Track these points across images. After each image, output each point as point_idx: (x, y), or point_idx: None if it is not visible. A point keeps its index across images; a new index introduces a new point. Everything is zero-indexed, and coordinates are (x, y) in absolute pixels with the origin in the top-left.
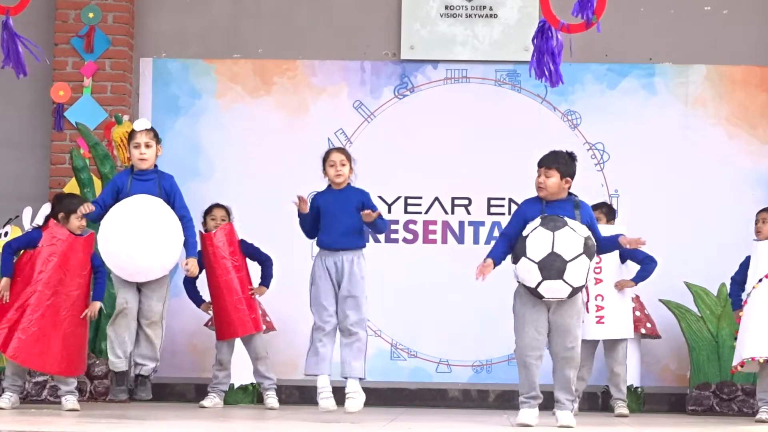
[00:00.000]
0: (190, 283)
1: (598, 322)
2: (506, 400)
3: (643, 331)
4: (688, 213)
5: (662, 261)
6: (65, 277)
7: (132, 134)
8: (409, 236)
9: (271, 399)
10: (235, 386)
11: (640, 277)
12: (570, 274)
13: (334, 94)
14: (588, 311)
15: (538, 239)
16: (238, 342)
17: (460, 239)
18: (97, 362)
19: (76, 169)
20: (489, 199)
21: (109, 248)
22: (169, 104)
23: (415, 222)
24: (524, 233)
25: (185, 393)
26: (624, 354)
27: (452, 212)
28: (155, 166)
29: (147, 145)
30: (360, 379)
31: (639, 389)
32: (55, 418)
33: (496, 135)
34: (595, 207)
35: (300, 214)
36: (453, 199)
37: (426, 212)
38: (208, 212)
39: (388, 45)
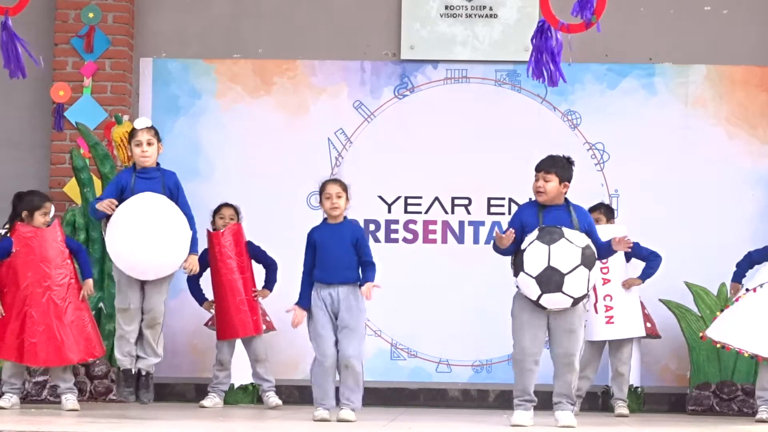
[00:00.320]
0: (193, 281)
1: (607, 322)
2: (506, 400)
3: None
4: (688, 213)
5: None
6: (50, 270)
7: (133, 133)
8: (409, 236)
9: (273, 398)
10: (235, 386)
11: (646, 274)
12: (569, 286)
13: (334, 94)
14: (597, 312)
15: (534, 254)
16: (238, 342)
17: (460, 239)
18: (97, 362)
19: (76, 169)
20: (489, 199)
21: (118, 248)
22: (169, 104)
23: (415, 222)
24: (522, 246)
25: (185, 393)
26: (629, 354)
27: (452, 212)
28: (158, 164)
29: (149, 143)
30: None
31: (639, 389)
32: (55, 418)
33: (496, 135)
34: (593, 208)
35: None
36: (453, 199)
37: (426, 212)
38: (216, 211)
39: (388, 45)
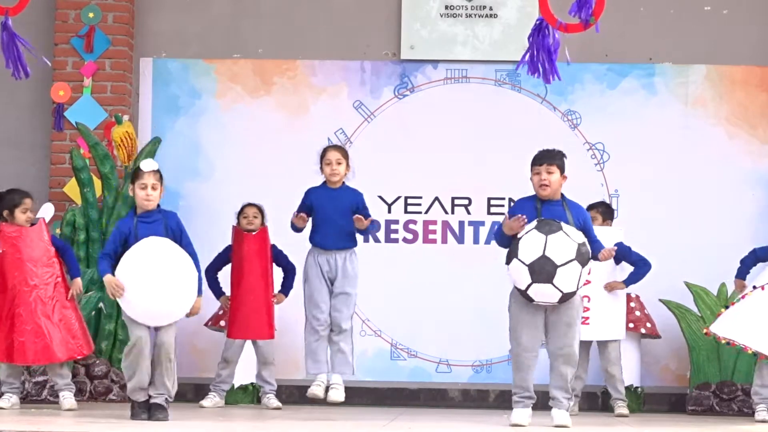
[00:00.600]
0: (211, 273)
1: (583, 323)
2: (506, 400)
3: (643, 331)
4: (688, 213)
5: (662, 261)
6: (36, 268)
7: (138, 173)
8: (409, 236)
9: (273, 401)
10: (235, 386)
11: (631, 280)
12: (560, 279)
13: (334, 94)
14: None
15: (530, 241)
16: (247, 343)
17: (460, 239)
18: (97, 362)
19: (76, 169)
20: (489, 199)
21: (128, 297)
22: (169, 104)
23: (415, 222)
24: (518, 235)
25: (185, 393)
26: (617, 355)
27: (452, 212)
28: (158, 205)
29: (153, 187)
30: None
31: (639, 389)
32: (55, 418)
33: (496, 135)
34: (592, 206)
35: (294, 226)
36: (453, 199)
37: (426, 212)
38: (240, 212)
39: (388, 45)
